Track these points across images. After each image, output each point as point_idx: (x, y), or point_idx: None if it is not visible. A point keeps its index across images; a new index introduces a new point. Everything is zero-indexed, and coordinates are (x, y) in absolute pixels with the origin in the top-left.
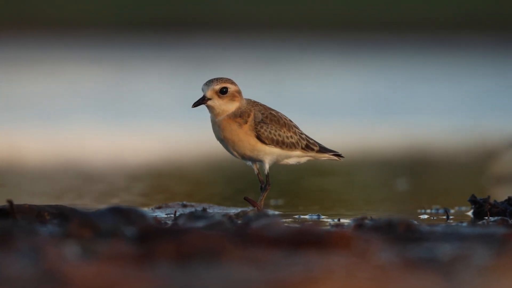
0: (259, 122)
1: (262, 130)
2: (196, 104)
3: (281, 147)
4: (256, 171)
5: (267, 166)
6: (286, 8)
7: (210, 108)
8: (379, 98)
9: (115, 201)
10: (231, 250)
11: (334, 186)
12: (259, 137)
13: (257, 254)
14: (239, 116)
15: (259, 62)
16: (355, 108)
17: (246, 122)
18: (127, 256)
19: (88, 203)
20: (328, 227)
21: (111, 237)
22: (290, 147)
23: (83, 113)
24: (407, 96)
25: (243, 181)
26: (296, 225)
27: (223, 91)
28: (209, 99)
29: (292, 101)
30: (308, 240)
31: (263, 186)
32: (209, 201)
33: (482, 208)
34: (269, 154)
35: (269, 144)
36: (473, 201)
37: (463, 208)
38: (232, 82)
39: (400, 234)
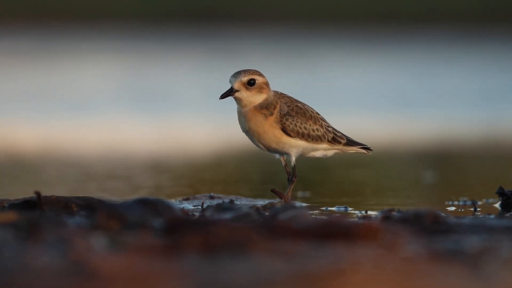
0: (284, 114)
1: (288, 123)
2: (223, 96)
3: (306, 139)
4: (283, 163)
5: (293, 159)
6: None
7: (238, 100)
8: (406, 90)
9: (142, 193)
10: (258, 242)
11: (362, 178)
12: (284, 130)
13: (284, 246)
14: (265, 107)
15: (287, 53)
16: (382, 100)
17: (271, 114)
18: (155, 247)
19: (116, 194)
20: (356, 219)
21: (138, 228)
22: (316, 140)
23: (110, 105)
24: (434, 88)
25: (271, 173)
26: (324, 217)
27: (250, 83)
28: (237, 90)
29: (319, 92)
30: (336, 232)
31: (290, 178)
32: (237, 192)
33: (510, 200)
34: (295, 146)
35: (295, 137)
36: (501, 193)
37: (491, 200)
38: (260, 74)
39: (427, 226)
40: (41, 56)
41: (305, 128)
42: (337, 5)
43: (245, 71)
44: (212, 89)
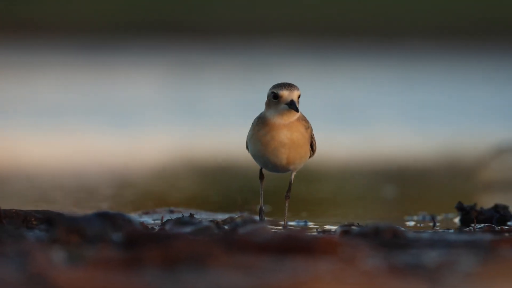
0: (311, 130)
1: (314, 141)
2: (296, 108)
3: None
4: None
5: (293, 176)
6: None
7: (292, 113)
8: (363, 105)
9: (103, 207)
10: (218, 256)
11: (321, 192)
12: (311, 145)
13: (244, 259)
14: (301, 119)
15: (252, 67)
16: (340, 115)
17: (308, 127)
18: (114, 261)
19: (76, 208)
20: (315, 233)
21: (98, 242)
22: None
23: (76, 117)
24: (393, 103)
25: (232, 188)
26: (284, 231)
27: (299, 96)
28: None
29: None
30: (295, 246)
31: (287, 194)
32: (197, 207)
33: (468, 215)
34: (302, 164)
35: (312, 156)
36: (460, 208)
37: (450, 215)
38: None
39: (386, 240)
40: (19, 69)
41: (316, 146)
42: (324, 17)
43: (292, 84)
44: (179, 102)
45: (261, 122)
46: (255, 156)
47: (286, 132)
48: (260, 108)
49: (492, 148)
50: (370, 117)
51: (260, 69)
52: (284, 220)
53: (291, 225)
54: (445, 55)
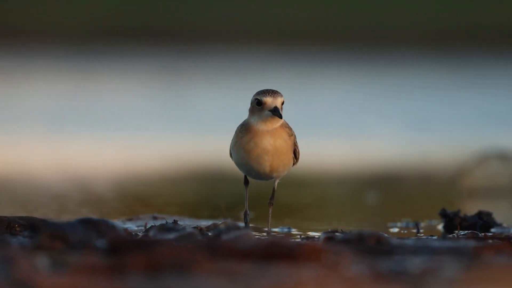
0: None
1: (297, 149)
2: (280, 115)
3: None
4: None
5: (276, 183)
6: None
7: (276, 120)
8: (347, 112)
9: (86, 213)
10: (202, 262)
11: (305, 199)
12: (294, 153)
13: (227, 266)
14: (285, 126)
15: (236, 74)
16: (326, 122)
17: (291, 135)
18: (98, 267)
19: (59, 214)
20: (299, 240)
21: (82, 248)
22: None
23: (62, 123)
24: (377, 110)
25: (214, 195)
26: (267, 238)
27: (283, 102)
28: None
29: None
30: (279, 253)
31: (271, 201)
32: (181, 213)
33: (452, 221)
34: (286, 172)
35: (295, 163)
36: (443, 215)
37: (434, 222)
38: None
39: (370, 247)
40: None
41: (299, 154)
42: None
43: (276, 91)
44: (164, 110)
45: (244, 129)
46: (238, 163)
47: (270, 139)
48: (246, 113)
49: (476, 155)
50: (355, 124)
51: (246, 75)
52: (268, 227)
53: (274, 232)
54: (431, 62)
